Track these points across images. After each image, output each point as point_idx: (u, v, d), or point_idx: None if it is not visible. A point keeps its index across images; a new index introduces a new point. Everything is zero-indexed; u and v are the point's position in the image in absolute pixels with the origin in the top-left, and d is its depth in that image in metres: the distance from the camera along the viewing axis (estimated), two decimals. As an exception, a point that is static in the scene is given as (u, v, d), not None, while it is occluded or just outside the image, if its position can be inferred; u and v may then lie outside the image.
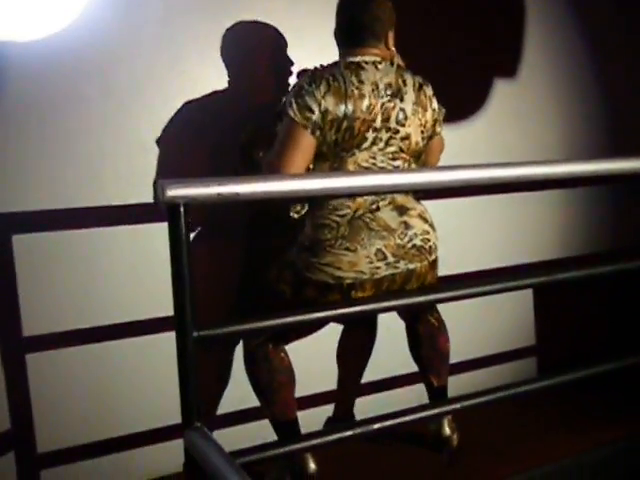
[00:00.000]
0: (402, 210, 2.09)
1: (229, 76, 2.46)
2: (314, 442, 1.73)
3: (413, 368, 2.42)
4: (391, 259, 2.05)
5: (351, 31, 2.11)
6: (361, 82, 2.02)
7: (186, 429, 1.43)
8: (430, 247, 2.13)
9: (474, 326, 3.02)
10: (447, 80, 2.78)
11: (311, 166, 2.05)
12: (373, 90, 2.03)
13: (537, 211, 3.25)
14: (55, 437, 2.27)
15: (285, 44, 2.49)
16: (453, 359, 2.43)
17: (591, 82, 3.38)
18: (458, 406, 1.87)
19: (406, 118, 2.08)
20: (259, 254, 2.50)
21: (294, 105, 1.99)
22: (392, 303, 1.91)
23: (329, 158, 2.04)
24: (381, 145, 2.06)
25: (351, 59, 2.07)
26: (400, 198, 2.10)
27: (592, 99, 3.39)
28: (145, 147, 2.34)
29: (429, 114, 2.15)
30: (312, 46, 2.46)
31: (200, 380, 1.45)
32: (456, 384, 2.46)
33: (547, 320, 3.24)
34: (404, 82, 2.10)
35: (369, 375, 2.59)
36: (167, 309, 1.50)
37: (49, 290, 2.24)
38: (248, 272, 2.52)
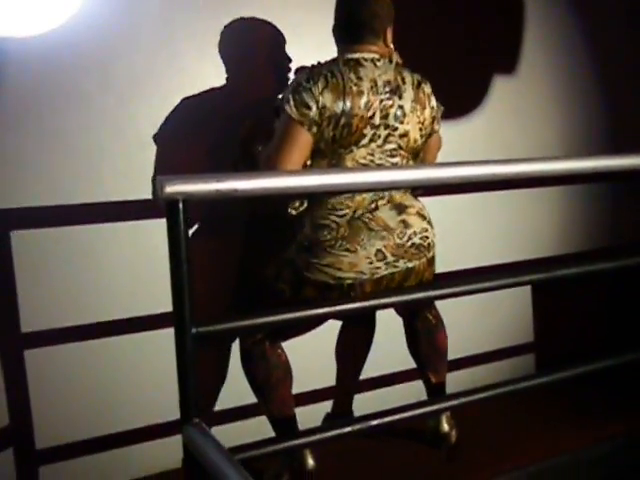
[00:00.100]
0: (401, 209, 2.09)
1: (228, 73, 2.46)
2: (313, 438, 1.73)
3: (411, 365, 2.42)
4: (390, 259, 2.05)
5: (349, 28, 2.11)
6: (359, 79, 2.02)
7: (185, 425, 1.43)
8: (429, 244, 2.13)
9: (473, 323, 3.02)
10: (446, 77, 2.78)
11: (308, 162, 2.05)
12: (372, 87, 2.03)
13: (536, 208, 3.25)
14: (54, 433, 2.27)
15: (283, 40, 2.49)
16: (451, 355, 2.44)
17: (590, 79, 3.38)
18: (456, 402, 1.88)
19: (404, 115, 2.08)
20: (257, 251, 2.50)
21: (291, 101, 1.98)
22: (390, 300, 1.91)
23: (327, 155, 2.03)
24: (379, 142, 2.06)
25: (349, 56, 2.07)
26: (398, 196, 2.10)
27: (591, 96, 3.39)
28: (144, 143, 2.34)
29: (427, 112, 2.15)
30: (310, 43, 2.45)
31: (199, 376, 1.45)
32: (454, 380, 2.47)
33: (545, 317, 3.24)
34: (403, 80, 2.10)
35: (368, 371, 2.59)
36: (166, 305, 1.50)
37: (47, 286, 2.24)
38: (246, 269, 2.52)
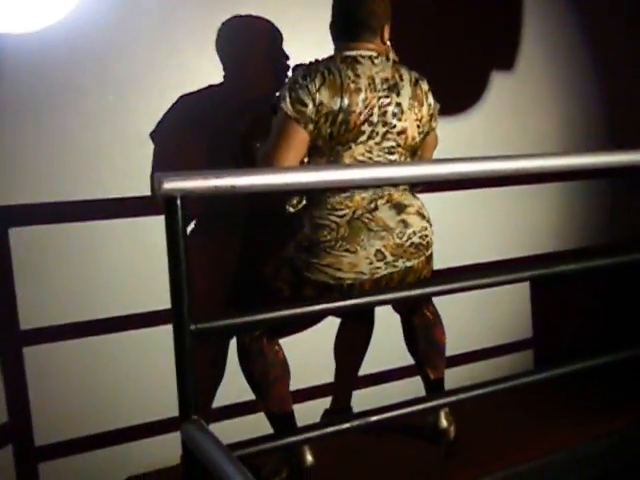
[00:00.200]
0: (400, 208, 2.09)
1: (227, 69, 2.45)
2: (311, 434, 1.73)
3: (410, 361, 2.42)
4: (390, 258, 2.06)
5: (347, 25, 2.10)
6: (357, 76, 2.02)
7: (183, 422, 1.44)
8: (427, 243, 2.14)
9: (471, 319, 3.03)
10: (445, 73, 2.78)
11: (306, 160, 2.05)
12: (369, 84, 2.03)
13: (534, 204, 3.25)
14: (53, 430, 2.27)
15: (282, 38, 2.49)
16: (450, 352, 2.44)
17: (589, 75, 3.37)
18: (455, 398, 1.88)
19: (402, 112, 2.08)
20: (256, 248, 2.50)
21: (287, 99, 1.98)
22: (388, 296, 1.92)
23: (325, 152, 2.03)
24: (377, 139, 2.06)
25: (347, 53, 2.07)
26: (397, 195, 2.10)
27: (590, 92, 3.39)
28: (142, 139, 2.33)
29: (425, 109, 2.15)
30: (309, 39, 2.44)
31: (197, 373, 1.45)
32: (453, 377, 2.47)
33: (544, 313, 3.25)
34: (400, 77, 2.10)
35: (366, 368, 2.59)
36: (164, 302, 1.50)
37: (46, 283, 2.24)
38: (245, 267, 2.52)
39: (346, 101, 1.99)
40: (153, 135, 2.35)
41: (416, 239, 2.10)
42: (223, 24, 2.42)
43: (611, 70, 3.42)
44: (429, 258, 2.17)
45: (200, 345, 1.47)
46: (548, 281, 2.67)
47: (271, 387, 2.13)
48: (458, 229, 2.94)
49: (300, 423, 2.13)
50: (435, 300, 2.38)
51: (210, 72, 2.43)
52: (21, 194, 2.19)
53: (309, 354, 2.48)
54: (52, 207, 2.23)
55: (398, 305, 2.36)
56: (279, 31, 2.48)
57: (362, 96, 2.01)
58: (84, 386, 2.31)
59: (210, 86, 2.43)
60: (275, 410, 2.15)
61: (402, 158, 2.12)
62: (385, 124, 2.06)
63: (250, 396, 2.21)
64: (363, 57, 2.06)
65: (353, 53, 2.06)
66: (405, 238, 2.07)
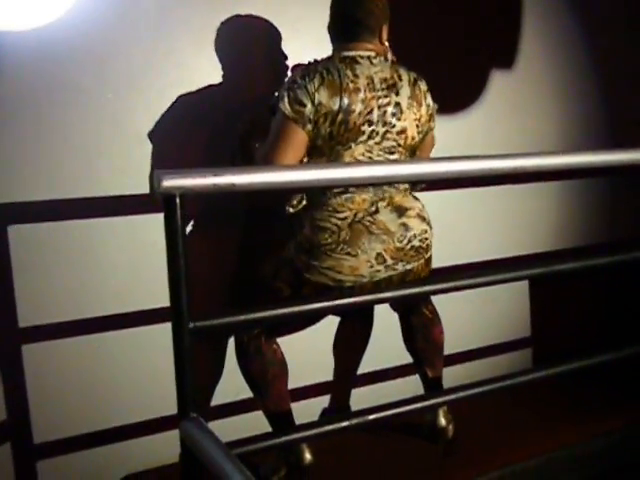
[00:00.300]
0: (401, 211, 2.09)
1: (225, 68, 2.45)
2: (310, 433, 1.73)
3: (408, 359, 2.43)
4: (390, 262, 2.06)
5: (345, 26, 2.10)
6: (356, 76, 2.02)
7: (182, 420, 1.44)
8: (427, 245, 2.15)
9: (470, 317, 3.03)
10: (445, 71, 2.79)
11: (305, 160, 2.04)
12: (368, 84, 2.03)
13: (534, 203, 3.25)
14: (51, 428, 2.27)
15: (281, 37, 2.48)
16: (448, 350, 2.44)
17: (588, 74, 3.37)
18: (453, 397, 1.88)
19: (401, 112, 2.08)
20: (255, 247, 2.50)
21: (286, 99, 1.98)
22: (387, 295, 1.92)
23: (325, 152, 2.03)
24: (377, 139, 2.06)
25: (345, 53, 2.07)
26: (398, 197, 2.10)
27: (589, 91, 3.39)
28: (141, 137, 2.33)
29: (424, 109, 2.15)
30: (309, 38, 2.45)
31: (196, 371, 1.45)
32: (451, 375, 2.47)
33: (543, 312, 3.25)
34: (399, 77, 2.10)
35: (365, 366, 2.60)
36: (163, 300, 1.50)
37: (45, 281, 2.24)
38: (244, 265, 2.52)
39: (345, 101, 1.99)
40: (152, 133, 2.34)
41: (416, 242, 2.10)
42: (222, 23, 2.42)
43: (610, 69, 3.42)
44: (428, 260, 2.18)
45: (199, 343, 1.47)
46: (547, 280, 2.67)
47: (269, 385, 2.13)
48: (457, 227, 2.94)
49: (299, 421, 2.13)
50: (433, 299, 2.38)
51: (209, 71, 2.42)
52: (20, 192, 2.18)
53: (307, 352, 2.48)
54: (51, 205, 2.23)
55: (396, 304, 2.36)
56: (278, 31, 2.48)
57: (361, 96, 2.01)
58: (83, 384, 2.31)
59: (209, 85, 2.43)
60: (273, 408, 2.15)
61: (402, 158, 2.12)
62: (385, 124, 2.06)
63: (249, 394, 2.21)
64: (362, 57, 2.06)
65: (351, 53, 2.06)
66: (405, 242, 2.08)
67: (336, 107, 1.98)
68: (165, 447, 2.25)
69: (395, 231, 2.07)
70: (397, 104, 2.07)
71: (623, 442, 2.58)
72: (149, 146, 2.35)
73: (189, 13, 2.39)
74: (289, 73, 2.32)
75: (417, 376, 2.41)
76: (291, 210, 2.10)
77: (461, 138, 2.87)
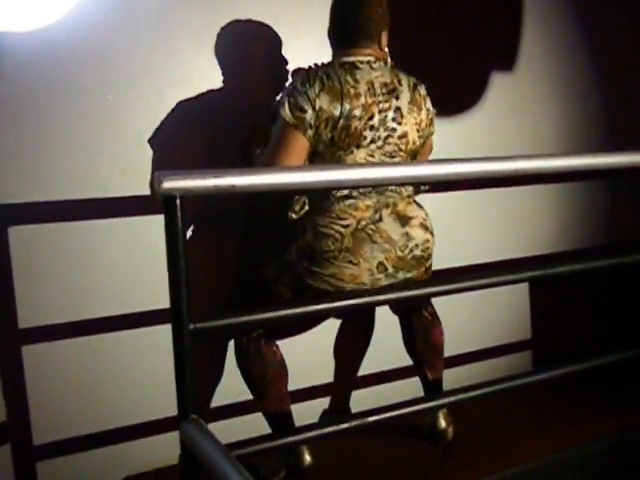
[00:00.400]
0: (404, 220, 2.10)
1: (226, 69, 2.45)
2: (310, 435, 1.73)
3: (408, 361, 2.42)
4: (391, 270, 2.07)
5: (345, 32, 2.11)
6: (356, 81, 2.02)
7: (182, 421, 1.43)
8: (428, 254, 2.15)
9: (470, 319, 3.03)
10: (444, 73, 2.79)
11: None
12: (369, 89, 2.03)
13: (534, 205, 3.25)
14: (51, 429, 2.27)
15: (281, 40, 2.48)
16: (449, 352, 2.44)
17: (588, 75, 3.37)
18: (453, 399, 1.88)
19: (402, 117, 2.08)
20: (256, 249, 2.50)
21: (286, 105, 1.99)
22: (387, 297, 1.92)
23: (326, 157, 2.03)
24: (379, 143, 2.06)
25: (345, 59, 2.07)
26: (402, 205, 2.11)
27: (589, 92, 3.39)
28: (141, 138, 2.33)
29: (424, 113, 2.15)
30: (309, 38, 2.45)
31: (196, 373, 1.45)
32: (451, 377, 2.47)
33: (543, 314, 3.25)
34: (399, 81, 2.10)
35: (365, 368, 2.60)
36: (163, 301, 1.50)
37: (45, 282, 2.24)
38: (244, 267, 2.52)
39: (347, 106, 1.99)
40: (152, 134, 2.34)
41: (418, 252, 2.10)
42: (221, 29, 2.42)
43: (611, 70, 3.42)
44: (428, 268, 2.19)
45: (199, 344, 1.47)
46: (547, 282, 2.67)
47: (269, 387, 2.13)
48: (457, 229, 2.94)
49: (298, 423, 2.13)
50: (434, 301, 2.38)
51: (209, 71, 2.42)
52: (20, 193, 2.18)
53: (307, 354, 2.48)
54: (51, 206, 2.22)
55: (397, 308, 2.36)
56: (277, 34, 2.48)
57: (362, 101, 2.01)
58: (83, 385, 2.31)
59: (209, 85, 2.43)
60: (273, 410, 2.15)
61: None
62: (386, 128, 2.06)
63: (249, 396, 2.21)
64: (361, 62, 2.07)
65: (351, 59, 2.07)
66: (407, 251, 2.08)
67: (337, 113, 1.98)
68: (165, 448, 2.25)
69: (397, 240, 2.07)
70: (398, 109, 2.07)
71: (623, 443, 2.58)
72: (149, 147, 2.35)
73: (189, 13, 2.39)
74: (289, 76, 2.33)
75: (417, 378, 2.41)
76: (294, 216, 2.09)
77: (461, 139, 2.87)
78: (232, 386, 2.43)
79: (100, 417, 2.33)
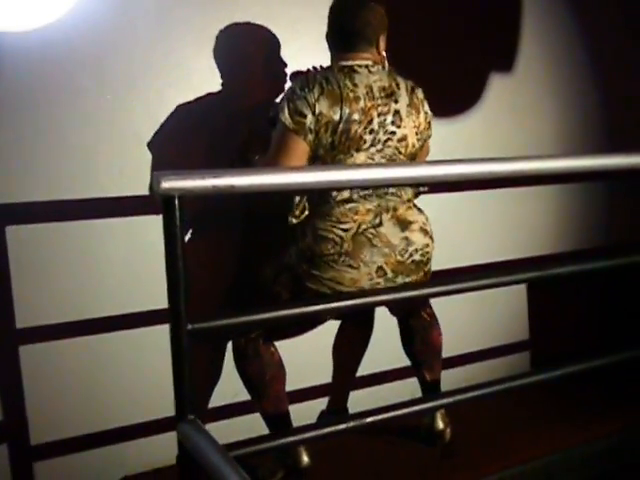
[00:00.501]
0: (404, 225, 2.10)
1: (225, 70, 2.45)
2: (307, 435, 1.73)
3: (406, 362, 2.42)
4: (390, 275, 2.07)
5: (343, 36, 2.11)
6: (355, 85, 2.03)
7: (180, 422, 1.43)
8: (428, 259, 2.16)
9: (468, 320, 3.03)
10: (444, 74, 2.79)
11: None
12: (367, 93, 2.04)
13: (532, 206, 3.25)
14: (49, 429, 2.27)
15: (280, 42, 2.48)
16: (447, 353, 2.44)
17: (587, 76, 3.38)
18: (451, 400, 1.88)
19: (401, 120, 2.09)
20: (255, 250, 2.50)
21: (286, 110, 1.99)
22: (385, 297, 1.92)
23: (327, 161, 2.03)
24: (379, 146, 2.06)
25: (343, 63, 2.08)
26: (402, 209, 2.11)
27: (588, 93, 3.39)
28: (140, 139, 2.33)
29: (422, 116, 2.16)
30: (309, 38, 2.45)
31: (194, 373, 1.44)
32: (450, 378, 2.47)
33: (541, 315, 3.25)
34: (397, 85, 2.11)
35: (363, 369, 2.59)
36: (161, 302, 1.50)
37: (43, 282, 2.23)
38: (243, 267, 2.52)
39: (346, 110, 1.99)
40: (151, 134, 2.34)
41: (417, 257, 2.11)
42: (221, 28, 2.42)
43: (609, 71, 3.43)
44: (427, 273, 2.19)
45: (197, 345, 1.47)
46: (545, 283, 2.67)
47: (267, 387, 2.13)
48: (456, 230, 2.94)
49: (296, 424, 2.13)
50: (432, 301, 2.38)
51: (208, 71, 2.42)
52: (18, 192, 2.18)
53: (305, 355, 2.48)
54: (49, 205, 2.22)
55: (395, 309, 2.36)
56: (276, 36, 2.48)
57: (361, 105, 2.02)
58: (80, 385, 2.31)
59: (208, 86, 2.43)
60: (271, 410, 2.15)
61: (402, 165, 2.13)
62: (386, 131, 2.06)
63: (247, 396, 2.21)
64: (360, 66, 2.08)
65: (350, 63, 2.08)
66: (407, 256, 2.08)
67: (337, 117, 1.99)
68: (162, 449, 2.24)
69: (397, 245, 2.07)
70: (396, 112, 2.08)
71: (622, 444, 2.58)
72: (148, 147, 2.34)
73: (188, 13, 2.39)
74: (288, 78, 2.33)
75: (415, 379, 2.41)
76: (294, 221, 2.09)
77: (460, 140, 2.87)
78: (230, 386, 2.43)
79: (98, 417, 2.33)
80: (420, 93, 2.18)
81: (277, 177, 1.54)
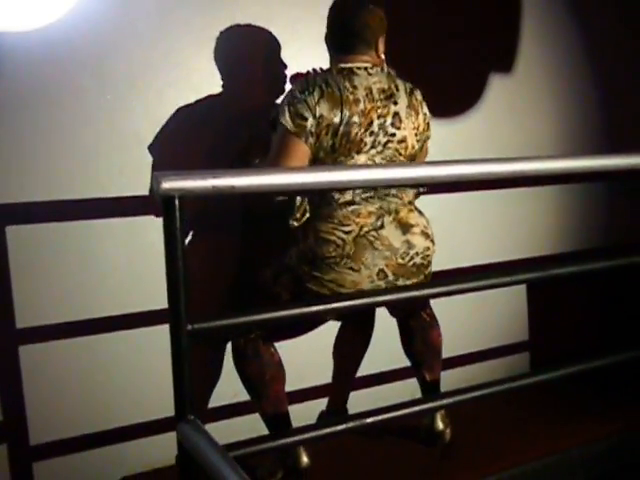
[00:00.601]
0: (406, 228, 2.10)
1: (224, 69, 2.45)
2: (307, 436, 1.73)
3: (406, 362, 2.42)
4: (391, 277, 2.07)
5: (342, 38, 2.12)
6: (355, 87, 2.03)
7: (179, 422, 1.43)
8: (429, 262, 2.16)
9: (468, 321, 3.03)
10: (443, 75, 2.79)
11: None
12: (367, 95, 2.04)
13: (532, 207, 3.25)
14: (48, 429, 2.27)
15: (280, 43, 2.48)
16: (447, 354, 2.44)
17: (586, 77, 3.38)
18: (451, 400, 1.88)
19: (401, 121, 2.09)
20: (255, 250, 2.50)
21: (287, 114, 1.99)
22: (385, 298, 1.91)
23: (327, 163, 2.03)
24: (379, 148, 2.07)
25: (343, 65, 2.08)
26: (404, 212, 2.11)
27: (587, 94, 3.40)
28: (140, 139, 2.33)
29: (421, 117, 2.16)
30: (309, 39, 2.45)
31: (193, 373, 1.45)
32: (449, 379, 2.47)
33: (540, 315, 3.25)
34: (396, 87, 2.11)
35: (363, 369, 2.59)
36: (161, 302, 1.50)
37: (43, 282, 2.23)
38: (243, 268, 2.52)
39: (346, 113, 2.00)
40: (151, 134, 2.34)
41: (418, 260, 2.11)
42: (221, 29, 2.42)
43: (609, 72, 3.43)
44: (427, 276, 2.19)
45: (196, 345, 1.47)
46: (545, 284, 2.67)
47: (267, 387, 2.13)
48: (455, 231, 2.94)
49: (296, 424, 2.13)
50: (432, 302, 2.38)
51: (208, 71, 2.43)
52: (18, 192, 2.18)
53: (304, 355, 2.48)
54: (49, 206, 2.22)
55: (395, 311, 2.36)
56: (276, 36, 2.48)
57: (361, 107, 2.02)
58: (80, 385, 2.31)
59: (208, 86, 2.43)
60: (271, 411, 2.15)
61: (402, 166, 2.12)
62: (386, 133, 2.07)
63: (246, 396, 2.21)
64: (359, 68, 2.08)
65: (349, 65, 2.08)
66: (408, 259, 2.09)
67: (337, 119, 1.99)
68: (162, 449, 2.25)
69: (399, 247, 2.07)
70: (396, 114, 2.08)
71: (623, 444, 2.58)
72: (148, 147, 2.34)
73: (188, 14, 2.39)
74: (287, 80, 2.33)
75: (415, 379, 2.41)
76: (295, 224, 2.09)
77: (460, 141, 2.87)
78: (230, 387, 2.43)
79: (97, 417, 2.33)
80: (419, 94, 2.18)
81: (277, 177, 1.54)
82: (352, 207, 2.04)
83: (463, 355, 2.99)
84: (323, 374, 2.57)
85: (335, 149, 2.02)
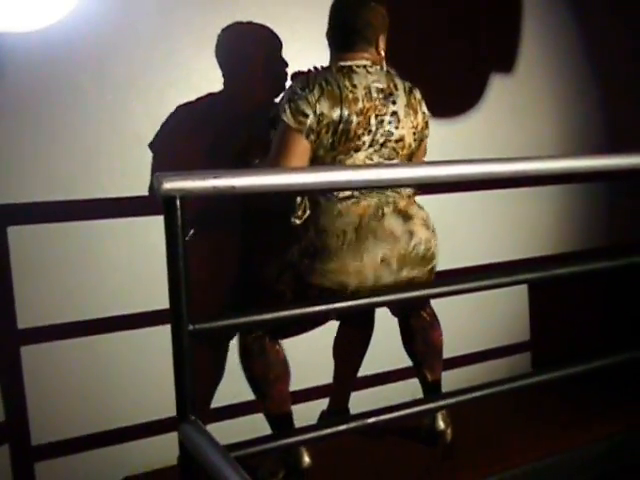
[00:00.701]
0: (406, 217, 2.10)
1: (225, 69, 2.45)
2: (309, 436, 1.73)
3: (407, 362, 2.42)
4: (395, 267, 2.06)
5: (343, 35, 2.12)
6: (354, 86, 2.03)
7: (181, 422, 1.43)
8: (432, 254, 2.16)
9: (469, 321, 3.03)
10: (444, 75, 2.79)
11: None
12: (366, 93, 2.04)
13: (533, 207, 3.25)
14: (50, 429, 2.27)
15: (281, 41, 2.48)
16: (448, 354, 2.44)
17: (587, 77, 3.38)
18: (452, 401, 1.88)
19: (399, 120, 2.09)
20: (257, 248, 2.50)
21: (288, 110, 1.99)
22: (387, 298, 1.91)
23: (326, 161, 2.04)
24: (377, 147, 2.07)
25: (342, 63, 2.09)
26: (403, 203, 2.11)
27: (588, 94, 3.39)
28: (141, 139, 2.33)
29: (420, 116, 2.16)
30: (308, 38, 2.45)
31: (195, 373, 1.45)
32: (451, 379, 2.47)
33: (542, 315, 3.25)
34: (395, 86, 2.12)
35: (364, 369, 2.59)
36: (163, 302, 1.50)
37: (44, 282, 2.24)
38: (245, 267, 2.52)
39: (346, 111, 2.00)
40: (151, 135, 2.34)
41: (421, 249, 2.11)
42: (222, 29, 2.42)
43: (609, 72, 3.43)
44: (432, 270, 2.19)
45: (198, 345, 1.47)
46: (546, 284, 2.67)
47: (272, 386, 2.13)
48: (456, 231, 2.94)
49: (297, 424, 2.13)
50: (433, 302, 2.38)
51: (208, 72, 2.43)
52: (19, 193, 2.18)
53: (306, 355, 2.47)
54: (50, 206, 2.23)
55: (396, 310, 2.36)
56: (277, 35, 2.48)
57: (360, 105, 2.02)
58: (81, 385, 2.31)
59: (209, 86, 2.43)
60: (274, 410, 2.15)
61: (400, 164, 2.13)
62: (384, 132, 2.07)
63: (248, 397, 2.21)
64: (358, 67, 2.08)
65: (348, 63, 2.08)
66: (410, 248, 2.09)
67: (337, 117, 1.99)
68: (164, 449, 2.24)
69: (400, 237, 2.07)
70: (394, 113, 2.09)
71: (624, 445, 2.58)
72: (148, 148, 2.35)
73: (188, 14, 2.39)
74: (288, 78, 2.33)
75: (416, 379, 2.41)
76: (297, 222, 2.09)
77: (460, 141, 2.87)
78: (231, 387, 2.43)
79: (99, 417, 2.33)
80: (418, 93, 2.18)
81: (277, 178, 1.54)
82: (352, 200, 2.04)
83: (464, 355, 2.99)
84: (324, 374, 2.57)
85: (334, 147, 2.02)
